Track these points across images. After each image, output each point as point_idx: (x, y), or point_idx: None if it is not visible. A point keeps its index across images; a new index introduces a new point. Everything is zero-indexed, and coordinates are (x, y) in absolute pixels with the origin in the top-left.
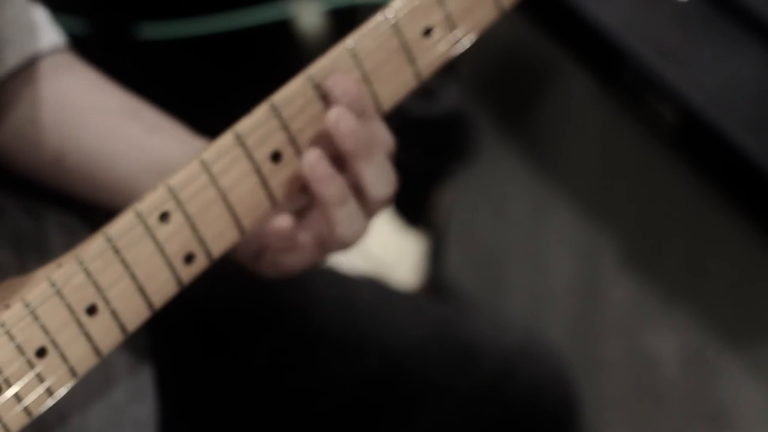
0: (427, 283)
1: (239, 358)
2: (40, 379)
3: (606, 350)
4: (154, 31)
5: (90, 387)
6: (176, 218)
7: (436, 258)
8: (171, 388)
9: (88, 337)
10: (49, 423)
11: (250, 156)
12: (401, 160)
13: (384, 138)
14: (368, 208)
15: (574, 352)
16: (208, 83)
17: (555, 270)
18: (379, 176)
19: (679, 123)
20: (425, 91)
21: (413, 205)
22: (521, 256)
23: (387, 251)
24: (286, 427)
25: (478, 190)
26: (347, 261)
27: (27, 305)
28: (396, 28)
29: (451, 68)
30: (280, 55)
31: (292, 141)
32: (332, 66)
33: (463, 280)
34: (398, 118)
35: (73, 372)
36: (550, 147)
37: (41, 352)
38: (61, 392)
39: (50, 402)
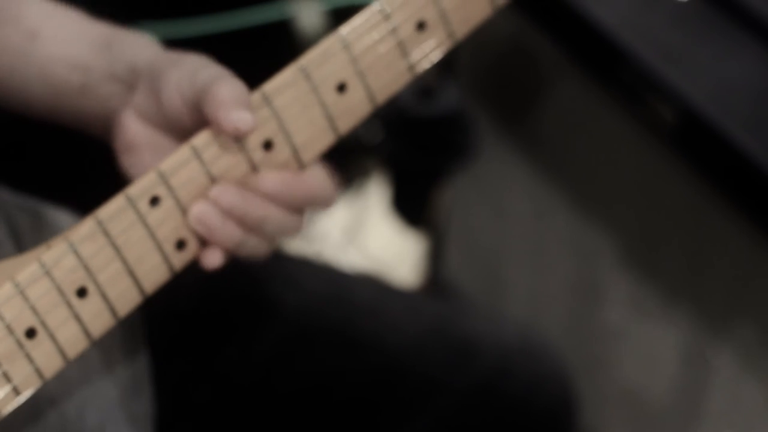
0: (427, 283)
1: (236, 355)
2: (29, 359)
3: (606, 350)
4: (154, 31)
5: (87, 382)
6: (167, 203)
7: (436, 258)
8: (168, 384)
9: (78, 320)
10: (46, 417)
11: (241, 143)
12: (401, 160)
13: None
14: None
15: (574, 352)
16: None
17: (555, 270)
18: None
19: (679, 123)
20: (425, 91)
21: (413, 205)
22: (521, 256)
23: (387, 251)
24: (283, 423)
25: (478, 190)
26: (347, 260)
27: (16, 285)
28: (388, 20)
29: (450, 68)
30: (280, 55)
31: (284, 130)
32: (324, 56)
33: (463, 280)
34: (398, 118)
35: (63, 354)
36: (549, 147)
37: (31, 333)
38: (51, 374)
39: (39, 383)
